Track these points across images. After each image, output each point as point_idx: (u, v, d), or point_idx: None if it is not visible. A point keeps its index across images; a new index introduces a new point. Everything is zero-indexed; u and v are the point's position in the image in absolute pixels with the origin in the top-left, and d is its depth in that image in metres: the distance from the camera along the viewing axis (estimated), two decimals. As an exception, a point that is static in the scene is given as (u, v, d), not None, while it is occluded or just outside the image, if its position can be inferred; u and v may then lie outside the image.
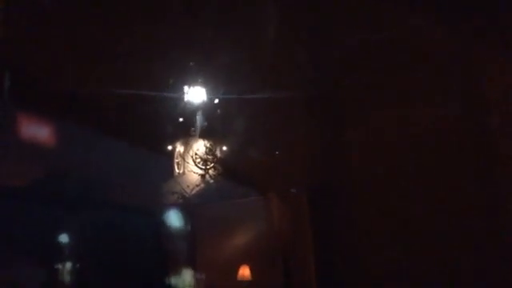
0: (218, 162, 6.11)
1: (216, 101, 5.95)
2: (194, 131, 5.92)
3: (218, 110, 5.96)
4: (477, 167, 4.34)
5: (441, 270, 4.41)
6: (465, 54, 4.34)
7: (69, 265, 5.99)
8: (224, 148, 6.15)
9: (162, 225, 6.05)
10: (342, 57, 4.96)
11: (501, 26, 4.14)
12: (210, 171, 6.13)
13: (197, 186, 6.09)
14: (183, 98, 5.90)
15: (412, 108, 4.60)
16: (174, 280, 5.82)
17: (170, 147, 6.26)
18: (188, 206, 6.03)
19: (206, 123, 5.99)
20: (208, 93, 5.93)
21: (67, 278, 5.97)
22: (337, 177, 5.25)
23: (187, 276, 5.82)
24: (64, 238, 6.03)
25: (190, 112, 5.98)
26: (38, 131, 5.40)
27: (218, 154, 6.13)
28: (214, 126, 6.06)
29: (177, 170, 6.24)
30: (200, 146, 6.15)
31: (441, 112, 4.43)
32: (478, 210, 4.30)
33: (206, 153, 6.13)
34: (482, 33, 4.19)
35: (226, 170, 6.06)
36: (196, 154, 6.13)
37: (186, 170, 6.17)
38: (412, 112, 4.60)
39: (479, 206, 4.29)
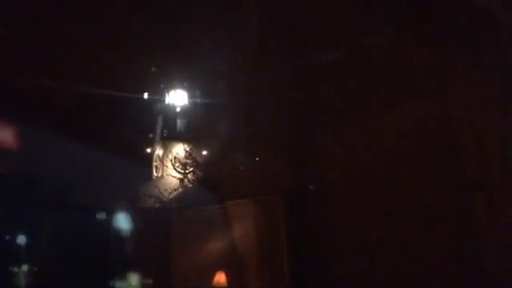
0: (197, 166, 6.09)
1: (196, 105, 5.98)
2: (167, 133, 5.91)
3: (198, 115, 5.98)
4: (447, 171, 4.43)
5: (414, 273, 4.44)
6: (432, 66, 4.48)
7: (29, 267, 5.83)
8: (203, 152, 6.14)
9: (136, 229, 5.97)
10: (318, 65, 5.05)
11: (471, 39, 4.29)
12: (189, 175, 6.11)
13: (175, 190, 6.04)
14: (164, 101, 5.92)
15: (384, 114, 4.70)
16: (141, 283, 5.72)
17: (148, 150, 6.23)
18: (165, 211, 5.97)
19: (185, 127, 6.01)
20: (189, 97, 5.96)
21: (29, 281, 5.80)
22: (312, 182, 5.29)
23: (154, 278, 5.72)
24: (34, 239, 5.90)
25: (170, 115, 5.99)
26: (10, 133, 5.29)
27: (198, 158, 6.11)
28: (194, 130, 6.07)
29: (155, 174, 6.19)
30: (179, 150, 6.13)
31: (409, 119, 4.55)
32: (448, 212, 4.38)
33: (186, 157, 6.11)
34: (451, 43, 4.33)
35: (205, 175, 6.05)
36: (175, 157, 6.11)
37: (164, 174, 6.12)
38: (384, 118, 4.70)
39: (450, 208, 4.37)
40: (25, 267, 5.86)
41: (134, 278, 5.63)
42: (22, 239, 5.92)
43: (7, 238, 5.79)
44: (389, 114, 4.67)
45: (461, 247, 4.28)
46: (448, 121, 4.42)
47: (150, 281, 5.63)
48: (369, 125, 4.79)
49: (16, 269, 5.86)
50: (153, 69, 5.45)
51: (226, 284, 5.62)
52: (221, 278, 5.64)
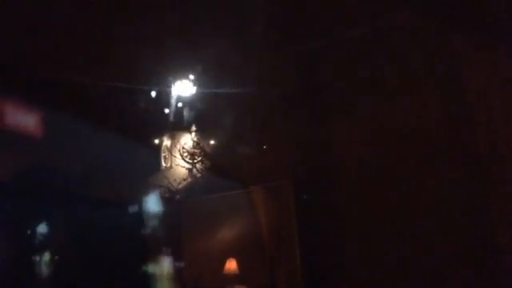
0: (206, 155, 6.13)
1: (203, 95, 6.00)
2: (175, 123, 5.95)
3: (206, 104, 6.00)
4: (457, 158, 4.42)
5: (424, 258, 4.45)
6: (445, 48, 4.45)
7: (48, 257, 5.89)
8: (211, 142, 6.17)
9: (148, 219, 6.02)
10: (325, 52, 5.04)
11: (480, 22, 4.24)
12: (198, 165, 6.14)
13: (184, 180, 6.08)
14: (171, 92, 5.94)
15: (393, 100, 4.69)
16: (155, 271, 5.78)
17: (156, 141, 6.26)
18: (175, 200, 6.02)
19: (193, 116, 6.03)
20: (196, 87, 5.97)
21: (48, 270, 5.87)
22: (321, 169, 5.31)
23: (167, 266, 5.78)
24: (48, 231, 5.96)
25: (177, 105, 6.01)
26: (20, 122, 5.29)
27: (206, 147, 6.15)
28: (201, 120, 6.10)
29: (164, 164, 6.24)
30: (187, 140, 6.17)
31: (421, 104, 4.53)
32: (460, 198, 4.37)
33: (194, 147, 6.14)
34: (461, 28, 4.30)
35: (213, 164, 6.09)
36: (183, 147, 6.14)
37: (173, 164, 6.16)
38: (393, 104, 4.69)
39: (461, 194, 4.36)
40: (46, 257, 5.94)
41: (165, 262, 5.69)
42: (42, 229, 6.00)
43: (29, 228, 5.87)
44: (398, 100, 4.64)
45: (476, 239, 4.22)
46: (463, 107, 4.38)
47: (182, 264, 5.68)
48: (381, 110, 4.76)
49: (38, 258, 5.94)
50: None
51: (237, 271, 5.67)
52: (232, 265, 5.70)
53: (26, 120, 5.13)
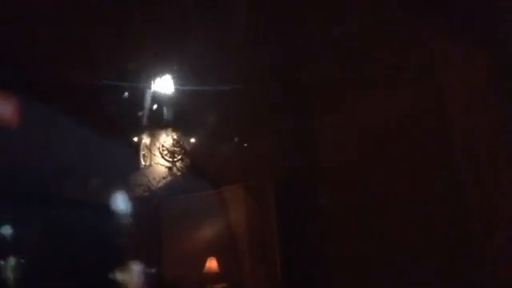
0: (186, 154, 6.06)
1: (183, 92, 5.92)
2: (154, 121, 5.86)
3: (186, 102, 5.92)
4: (438, 157, 4.47)
5: (407, 261, 4.46)
6: (426, 45, 4.49)
7: (15, 260, 5.67)
8: (192, 140, 6.11)
9: (126, 218, 5.91)
10: (308, 48, 5.02)
11: (462, 20, 4.29)
12: (178, 163, 6.08)
13: (163, 178, 6.01)
14: (150, 88, 5.83)
15: (378, 99, 4.70)
16: (131, 272, 5.67)
17: (135, 139, 6.15)
18: (154, 199, 5.94)
19: (172, 114, 5.95)
20: (176, 83, 5.89)
21: (15, 274, 5.65)
22: (303, 168, 5.30)
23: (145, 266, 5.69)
24: (17, 232, 5.74)
25: (156, 102, 5.92)
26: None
27: (186, 145, 6.08)
28: (181, 118, 6.02)
29: (143, 163, 6.14)
30: (167, 138, 6.08)
31: (405, 103, 4.55)
32: (441, 199, 4.41)
33: (174, 145, 6.07)
34: (443, 24, 4.34)
35: (194, 163, 6.02)
36: (163, 145, 6.06)
37: (152, 163, 6.07)
38: (378, 103, 4.70)
39: (442, 195, 4.40)
40: (12, 260, 5.72)
41: (135, 268, 5.58)
42: (6, 230, 5.77)
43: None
44: (382, 98, 4.65)
45: (457, 238, 4.26)
46: (442, 105, 4.42)
47: (153, 270, 5.59)
48: (367, 109, 4.75)
49: (1, 262, 5.72)
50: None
51: (217, 270, 5.64)
52: (212, 263, 5.67)
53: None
